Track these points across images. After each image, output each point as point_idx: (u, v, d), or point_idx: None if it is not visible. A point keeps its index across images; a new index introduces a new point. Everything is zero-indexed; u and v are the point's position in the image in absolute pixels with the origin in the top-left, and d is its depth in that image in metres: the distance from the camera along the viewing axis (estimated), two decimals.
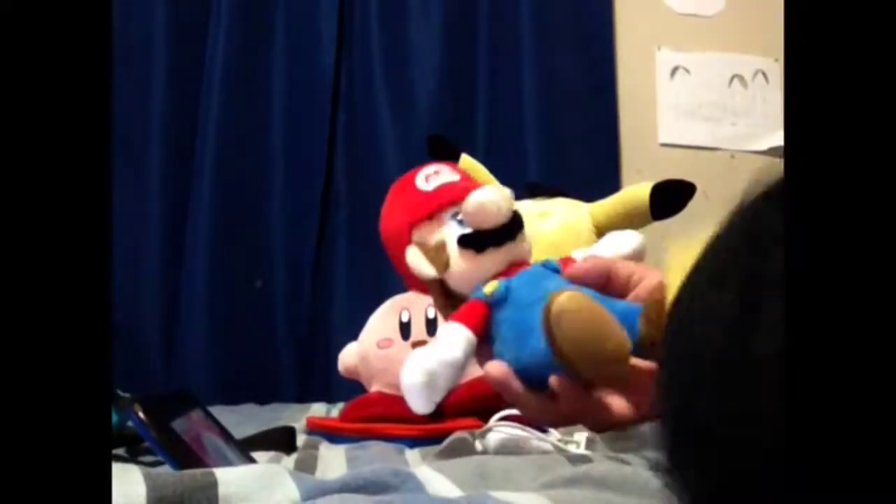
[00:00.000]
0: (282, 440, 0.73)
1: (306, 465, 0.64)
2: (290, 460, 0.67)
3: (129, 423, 0.67)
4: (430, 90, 1.57)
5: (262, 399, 1.33)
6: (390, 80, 1.56)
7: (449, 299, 0.51)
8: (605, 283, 0.45)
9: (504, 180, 1.12)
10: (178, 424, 0.42)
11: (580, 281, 0.45)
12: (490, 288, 0.47)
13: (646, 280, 0.44)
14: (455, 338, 0.45)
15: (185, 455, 0.39)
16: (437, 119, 1.54)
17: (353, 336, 0.96)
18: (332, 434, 0.81)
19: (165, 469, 0.51)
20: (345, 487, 0.40)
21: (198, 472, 0.32)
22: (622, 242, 0.62)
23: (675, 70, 1.73)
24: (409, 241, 0.52)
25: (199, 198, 1.48)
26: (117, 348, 1.33)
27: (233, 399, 1.27)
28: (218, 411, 0.64)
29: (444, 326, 0.47)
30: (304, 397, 1.37)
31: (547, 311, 0.40)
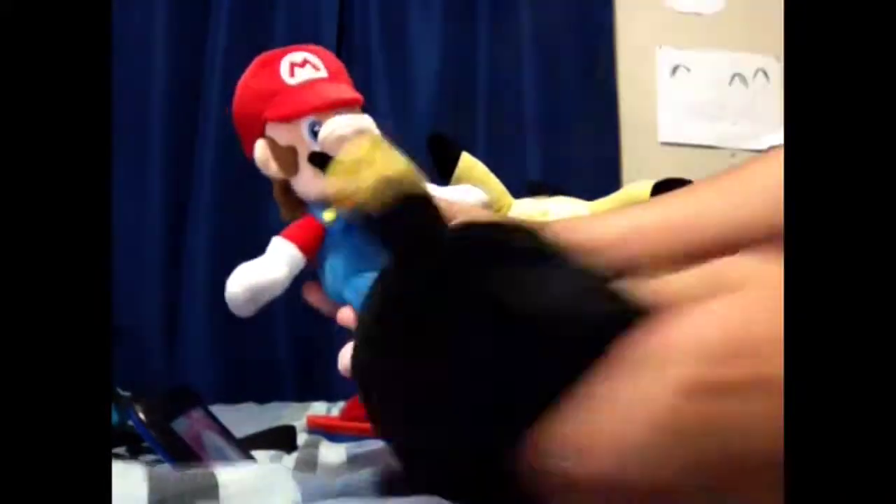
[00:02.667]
0: (282, 439, 0.73)
1: (307, 464, 0.64)
2: (290, 459, 0.67)
3: (130, 423, 0.68)
4: (430, 90, 1.56)
5: (263, 398, 1.33)
6: (390, 79, 1.56)
7: (289, 197, 0.52)
8: None
9: (504, 179, 1.12)
10: (179, 424, 0.42)
11: None
12: (330, 217, 0.48)
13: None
14: (283, 256, 0.48)
15: (185, 455, 0.39)
16: (437, 119, 1.54)
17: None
18: (333, 433, 0.81)
19: (167, 467, 0.51)
20: (346, 490, 0.40)
21: (199, 472, 0.32)
22: (461, 194, 0.57)
23: (675, 68, 1.73)
24: (261, 133, 0.51)
25: (199, 198, 1.48)
26: (118, 347, 1.32)
27: (233, 398, 1.27)
28: (218, 410, 0.64)
29: (275, 241, 0.49)
30: (305, 396, 1.37)
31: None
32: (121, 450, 0.70)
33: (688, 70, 1.73)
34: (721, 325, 0.24)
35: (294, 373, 1.47)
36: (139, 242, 1.47)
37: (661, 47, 1.72)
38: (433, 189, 0.55)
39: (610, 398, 0.24)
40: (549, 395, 0.25)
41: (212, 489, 0.32)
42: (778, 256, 0.25)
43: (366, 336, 0.32)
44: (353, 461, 0.65)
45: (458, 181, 1.07)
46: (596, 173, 1.58)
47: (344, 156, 0.31)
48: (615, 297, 0.28)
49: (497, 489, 0.27)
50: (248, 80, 0.53)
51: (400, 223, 0.30)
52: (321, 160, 0.48)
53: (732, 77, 1.73)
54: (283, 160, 0.50)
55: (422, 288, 0.29)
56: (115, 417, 0.67)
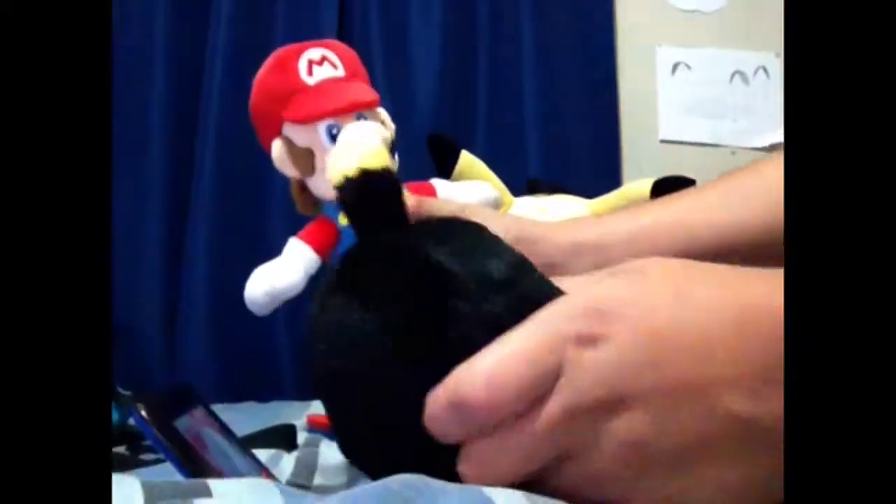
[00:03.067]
0: (282, 438, 0.73)
1: (307, 463, 0.65)
2: (290, 458, 0.67)
3: (131, 421, 0.68)
4: (430, 90, 1.57)
5: (263, 397, 1.33)
6: (390, 79, 1.56)
7: (306, 195, 0.52)
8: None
9: (505, 177, 1.12)
10: (181, 422, 0.42)
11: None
12: (345, 220, 0.48)
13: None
14: (299, 258, 0.49)
15: (187, 453, 0.39)
16: (437, 119, 1.54)
17: None
18: (333, 432, 0.81)
19: (166, 470, 0.51)
20: None
21: (192, 481, 0.31)
22: (472, 190, 0.57)
23: (675, 66, 1.73)
24: (277, 132, 0.51)
25: (199, 198, 1.48)
26: (118, 346, 1.33)
27: (233, 397, 1.27)
28: (218, 409, 0.64)
29: (292, 242, 0.50)
30: (305, 395, 1.37)
31: None
32: (121, 449, 0.70)
33: (688, 67, 1.73)
34: (586, 294, 0.30)
35: (294, 372, 1.48)
36: (139, 242, 1.47)
37: (661, 45, 1.72)
38: (443, 185, 0.55)
39: (493, 345, 0.29)
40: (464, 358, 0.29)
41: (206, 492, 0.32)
42: (670, 261, 0.31)
43: (315, 295, 0.34)
44: None
45: (459, 180, 1.07)
46: (596, 171, 1.58)
47: (342, 142, 0.34)
48: (536, 278, 0.32)
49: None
50: (265, 77, 0.52)
51: (363, 196, 0.33)
52: None
53: (733, 75, 1.73)
54: (300, 161, 0.50)
55: (367, 255, 0.33)
56: (115, 416, 0.67)
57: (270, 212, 1.49)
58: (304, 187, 0.52)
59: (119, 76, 1.44)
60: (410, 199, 0.48)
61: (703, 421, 0.27)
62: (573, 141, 1.60)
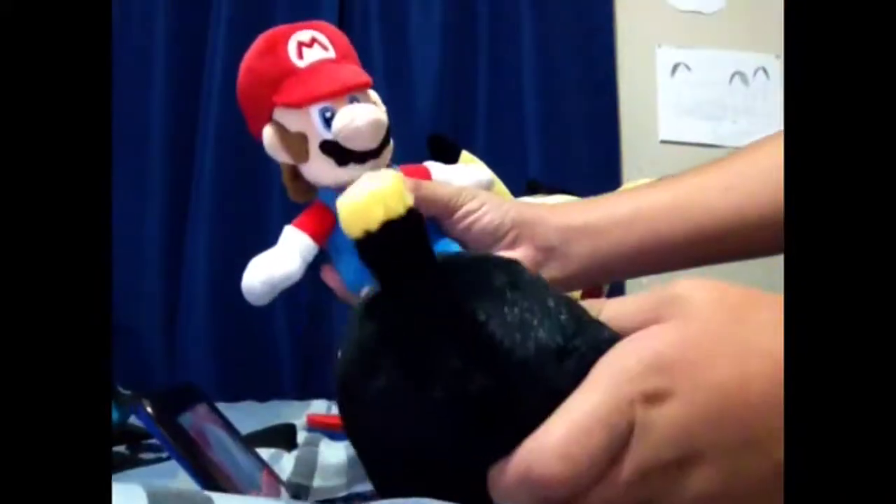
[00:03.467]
0: (282, 437, 0.73)
1: (306, 463, 0.65)
2: (290, 457, 0.67)
3: (131, 421, 0.68)
4: (430, 90, 1.57)
5: (263, 396, 1.33)
6: (390, 79, 1.56)
7: (298, 182, 0.50)
8: (421, 208, 0.47)
9: (505, 178, 1.12)
10: (185, 419, 0.42)
11: None
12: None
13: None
14: (296, 246, 0.48)
15: (191, 450, 0.39)
16: (437, 119, 1.54)
17: None
18: (333, 431, 0.81)
19: (166, 469, 0.51)
20: None
21: (197, 493, 0.31)
22: (467, 173, 0.56)
23: (675, 67, 1.73)
24: (268, 118, 0.49)
25: (199, 198, 1.48)
26: (118, 346, 1.33)
27: (233, 396, 1.27)
28: (218, 408, 0.64)
29: (287, 231, 0.49)
30: (305, 394, 1.37)
31: None
32: (121, 449, 0.70)
33: (688, 69, 1.73)
34: (641, 348, 0.28)
35: (294, 371, 1.48)
36: (139, 242, 1.47)
37: (660, 46, 1.72)
38: (438, 167, 0.54)
39: (559, 414, 0.28)
40: (529, 428, 0.28)
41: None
42: (715, 286, 0.30)
43: (351, 358, 0.32)
44: (353, 459, 0.65)
45: None
46: (595, 172, 1.58)
47: (357, 191, 0.30)
48: (590, 333, 0.30)
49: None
50: (253, 61, 0.50)
51: (387, 249, 0.30)
52: (334, 150, 0.47)
53: (732, 76, 1.73)
54: (293, 147, 0.48)
55: (409, 316, 0.30)
56: (115, 416, 0.67)
57: (270, 212, 1.49)
58: (296, 174, 0.50)
59: (119, 76, 1.44)
60: (407, 182, 0.48)
61: (764, 471, 0.27)
62: (573, 141, 1.60)
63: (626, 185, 1.14)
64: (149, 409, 0.39)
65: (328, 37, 0.51)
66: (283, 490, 0.49)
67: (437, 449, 0.29)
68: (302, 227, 0.49)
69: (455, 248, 0.48)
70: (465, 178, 0.53)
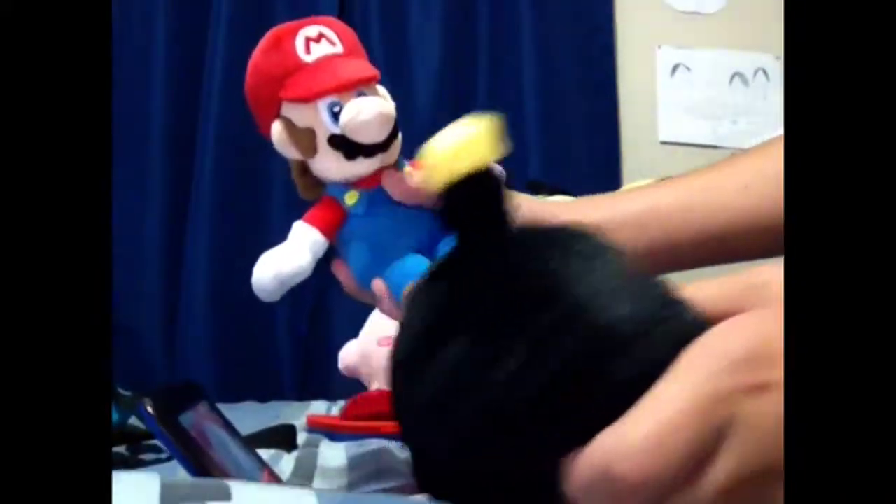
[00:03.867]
0: (282, 438, 0.73)
1: (307, 463, 0.65)
2: (290, 458, 0.67)
3: (131, 421, 0.68)
4: (430, 90, 1.57)
5: (263, 397, 1.33)
6: (390, 79, 1.56)
7: (307, 178, 0.50)
8: (429, 202, 0.46)
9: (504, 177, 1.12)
10: (185, 418, 0.42)
11: (401, 199, 0.47)
12: (351, 200, 0.48)
13: None
14: (306, 242, 0.48)
15: (191, 449, 0.39)
16: (437, 118, 1.54)
17: (354, 334, 0.96)
18: (333, 432, 0.81)
19: (166, 469, 0.51)
20: None
21: (214, 481, 0.30)
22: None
23: (675, 67, 1.73)
24: (276, 114, 0.49)
25: (199, 198, 1.48)
26: (118, 346, 1.33)
27: (233, 397, 1.27)
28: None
29: (297, 226, 0.49)
30: (305, 395, 1.37)
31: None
32: (121, 449, 0.70)
33: (688, 69, 1.73)
34: (744, 339, 0.25)
35: (294, 372, 1.48)
36: (139, 242, 1.47)
37: (660, 46, 1.72)
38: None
39: (645, 405, 0.25)
40: (617, 409, 0.25)
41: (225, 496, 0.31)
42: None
43: (418, 326, 0.29)
44: (354, 459, 0.65)
45: None
46: (596, 172, 1.58)
47: (446, 140, 0.28)
48: (680, 313, 0.27)
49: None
50: (261, 57, 0.50)
51: (466, 207, 0.28)
52: (342, 143, 0.47)
53: (732, 76, 1.73)
54: (301, 142, 0.48)
55: (490, 275, 0.28)
56: (115, 416, 0.67)
57: (271, 212, 1.49)
58: (305, 170, 0.50)
59: (119, 76, 1.44)
60: (416, 176, 0.47)
61: None
62: (573, 141, 1.60)
63: (627, 185, 1.14)
64: (150, 409, 0.39)
65: (336, 32, 0.50)
66: None
67: (512, 426, 0.26)
68: (311, 221, 0.49)
69: None
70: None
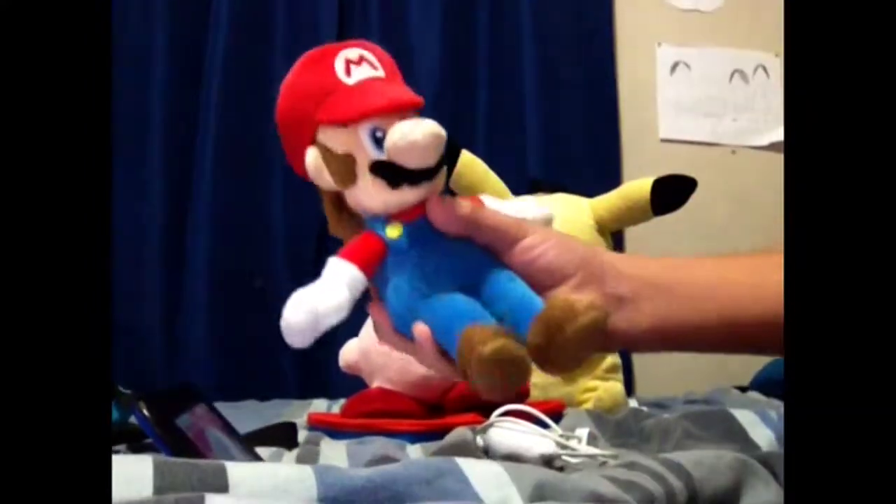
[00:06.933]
0: (283, 436, 0.73)
1: (307, 461, 0.65)
2: (291, 456, 0.67)
3: (132, 420, 0.68)
4: (430, 90, 1.56)
5: (264, 395, 1.33)
6: None
7: (342, 213, 0.46)
8: (479, 234, 0.44)
9: (504, 177, 1.12)
10: (183, 420, 0.42)
11: (447, 229, 0.44)
12: (394, 233, 0.44)
13: (542, 257, 0.44)
14: (343, 278, 0.43)
15: (188, 451, 0.39)
16: (437, 118, 1.53)
17: (354, 332, 0.96)
18: (334, 430, 0.81)
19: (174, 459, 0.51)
20: (369, 484, 0.38)
21: (209, 464, 0.30)
22: (524, 208, 0.51)
23: (675, 65, 1.72)
24: (311, 139, 0.45)
25: (199, 197, 1.48)
26: (119, 346, 1.33)
27: (234, 395, 1.27)
28: (219, 407, 0.64)
29: (332, 262, 0.44)
30: (306, 393, 1.37)
31: (468, 349, 0.38)
32: (121, 448, 0.70)
33: (688, 67, 1.72)
34: None
35: (295, 370, 1.48)
36: (139, 242, 1.47)
37: (660, 44, 1.72)
38: (490, 201, 0.51)
39: None
40: None
41: (221, 481, 0.31)
42: None
43: None
44: (354, 457, 0.65)
45: (459, 179, 1.07)
46: (596, 170, 1.58)
47: None
48: None
49: None
50: (297, 78, 0.46)
51: None
52: (387, 170, 0.43)
53: (732, 74, 1.73)
54: (339, 170, 0.44)
55: None
56: (115, 416, 0.67)
57: (271, 212, 1.49)
58: (340, 203, 0.46)
59: (119, 76, 1.44)
60: (464, 206, 0.44)
61: None
62: (573, 140, 1.60)
63: (627, 183, 1.14)
64: (145, 412, 0.38)
65: (376, 56, 0.47)
66: None
67: None
68: (348, 257, 0.44)
69: (517, 282, 0.44)
70: (523, 211, 0.49)
